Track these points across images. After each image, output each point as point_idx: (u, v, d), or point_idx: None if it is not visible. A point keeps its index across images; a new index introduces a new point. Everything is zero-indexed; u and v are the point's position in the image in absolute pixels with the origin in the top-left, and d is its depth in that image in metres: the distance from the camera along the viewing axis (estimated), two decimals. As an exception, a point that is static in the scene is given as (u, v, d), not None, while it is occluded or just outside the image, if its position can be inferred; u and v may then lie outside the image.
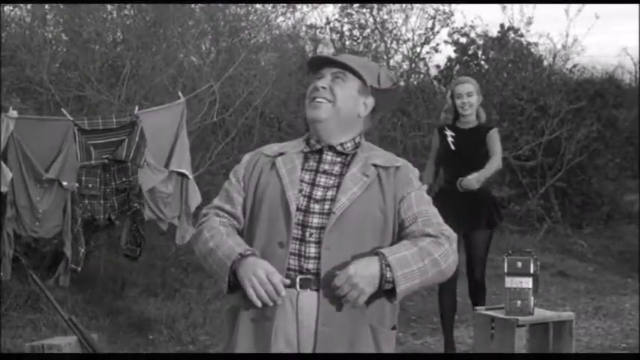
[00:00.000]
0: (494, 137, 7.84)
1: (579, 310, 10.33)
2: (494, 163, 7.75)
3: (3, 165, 7.96)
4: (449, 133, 7.88)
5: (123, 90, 10.22)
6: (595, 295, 11.42)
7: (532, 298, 6.67)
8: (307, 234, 3.40)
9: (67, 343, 6.12)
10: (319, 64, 3.64)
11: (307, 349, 3.37)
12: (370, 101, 3.61)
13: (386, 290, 3.36)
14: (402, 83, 3.69)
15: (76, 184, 8.21)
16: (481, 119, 7.99)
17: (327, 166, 3.54)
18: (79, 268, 8.32)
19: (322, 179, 3.50)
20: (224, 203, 3.59)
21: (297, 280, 3.38)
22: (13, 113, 8.10)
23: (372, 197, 3.45)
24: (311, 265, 3.38)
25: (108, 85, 10.53)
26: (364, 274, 3.27)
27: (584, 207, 15.75)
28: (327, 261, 3.35)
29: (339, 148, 3.56)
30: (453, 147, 7.84)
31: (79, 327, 4.22)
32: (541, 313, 6.94)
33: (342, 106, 3.54)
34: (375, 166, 3.51)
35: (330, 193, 3.45)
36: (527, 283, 6.64)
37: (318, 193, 3.46)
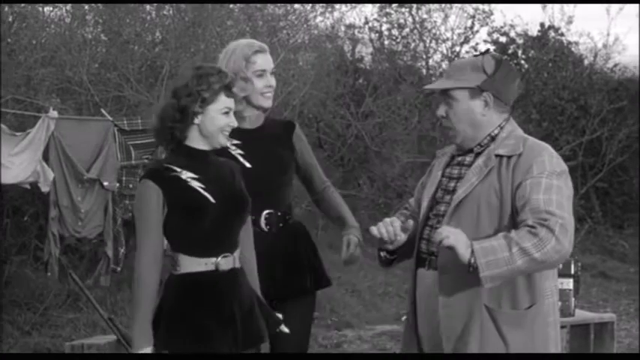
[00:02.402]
0: None
1: (620, 311, 10.24)
2: None
3: (45, 165, 8.02)
4: None
5: (162, 90, 10.24)
6: (636, 297, 11.31)
7: (573, 299, 6.61)
8: (436, 221, 3.77)
9: (106, 342, 6.14)
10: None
11: (435, 323, 3.72)
12: (487, 95, 3.75)
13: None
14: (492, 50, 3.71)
15: (117, 184, 8.25)
16: None
17: (460, 158, 3.86)
18: (119, 268, 8.36)
19: (455, 171, 3.84)
20: (412, 201, 4.10)
21: (427, 261, 3.78)
22: (54, 113, 8.16)
23: (489, 186, 3.66)
24: (435, 249, 3.70)
25: (147, 85, 10.57)
26: (460, 236, 3.51)
27: (625, 207, 15.61)
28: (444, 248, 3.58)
29: (476, 148, 3.81)
30: None
31: (119, 326, 4.22)
32: (582, 315, 6.88)
33: (463, 124, 3.78)
34: (497, 156, 3.70)
35: (458, 184, 3.76)
36: (568, 284, 6.58)
37: (451, 185, 3.81)
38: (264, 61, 4.58)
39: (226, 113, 3.84)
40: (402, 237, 3.76)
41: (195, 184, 3.80)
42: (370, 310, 10.44)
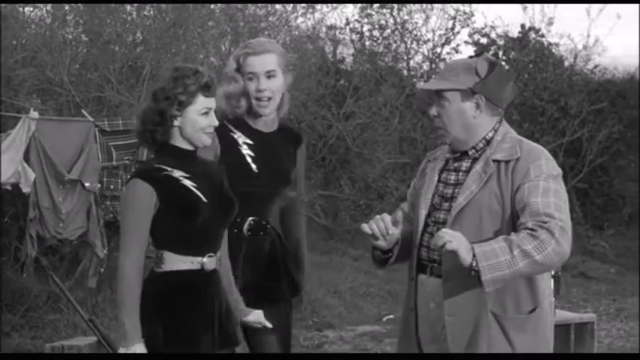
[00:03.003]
0: None
1: (601, 311, 10.28)
2: None
3: (26, 166, 7.99)
4: None
5: (143, 91, 10.22)
6: (616, 297, 11.37)
7: (553, 299, 6.63)
8: (436, 229, 3.71)
9: (86, 343, 6.13)
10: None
11: (440, 328, 3.72)
12: (479, 98, 3.75)
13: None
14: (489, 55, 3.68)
15: (98, 185, 8.23)
16: None
17: (457, 164, 3.85)
18: (102, 269, 8.35)
19: (452, 177, 3.83)
20: (405, 204, 4.07)
21: (429, 268, 3.77)
22: (34, 114, 8.13)
23: (489, 192, 3.68)
24: (436, 256, 3.72)
25: (128, 85, 10.55)
26: (461, 240, 3.51)
27: (605, 208, 15.68)
28: (447, 253, 3.57)
29: (471, 152, 3.80)
30: None
31: (99, 328, 4.21)
32: (562, 315, 6.91)
33: (454, 125, 3.78)
34: (495, 161, 3.72)
35: (456, 191, 3.76)
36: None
37: (448, 191, 3.80)
38: (256, 64, 4.33)
39: (206, 113, 3.81)
40: (395, 231, 3.73)
41: (188, 183, 3.80)
42: (351, 310, 10.45)
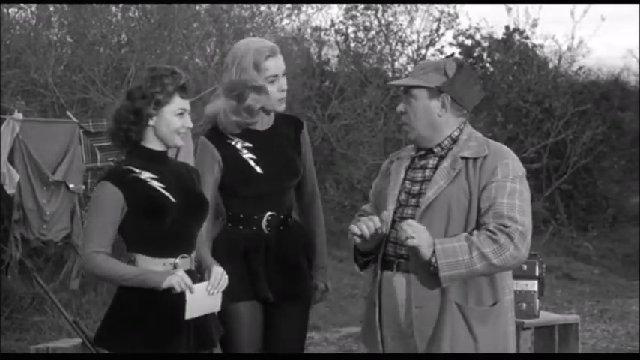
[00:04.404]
0: None
1: (585, 312, 10.31)
2: None
3: (10, 167, 7.97)
4: None
5: (128, 92, 10.20)
6: (600, 298, 11.41)
7: (537, 300, 6.66)
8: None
9: (71, 345, 6.12)
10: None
11: (405, 324, 3.79)
12: (445, 97, 3.83)
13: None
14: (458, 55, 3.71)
15: (83, 187, 8.22)
16: None
17: (423, 162, 3.91)
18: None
19: (419, 174, 3.88)
20: (368, 207, 4.10)
21: (395, 263, 3.81)
22: (19, 116, 8.11)
23: (458, 188, 3.75)
24: (404, 251, 3.76)
25: (113, 87, 10.53)
26: (423, 235, 3.62)
27: (589, 209, 15.74)
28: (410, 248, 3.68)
29: (436, 150, 3.87)
30: None
31: (84, 329, 4.22)
32: (546, 316, 6.93)
33: (419, 122, 3.86)
34: (463, 158, 3.79)
35: (423, 187, 3.82)
36: (533, 285, 6.63)
37: (415, 188, 3.86)
38: (276, 66, 4.36)
39: (181, 114, 3.84)
40: (384, 230, 3.78)
41: (156, 184, 3.81)
42: (336, 312, 10.45)
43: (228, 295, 3.99)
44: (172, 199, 3.79)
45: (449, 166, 3.79)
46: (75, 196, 8.21)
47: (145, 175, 3.81)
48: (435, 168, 3.83)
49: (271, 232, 4.37)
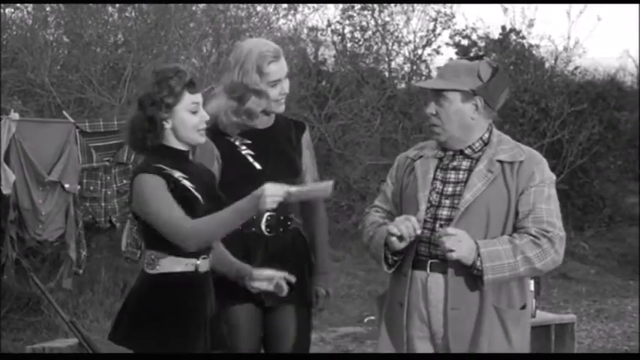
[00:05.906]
0: None
1: (581, 312, 10.30)
2: None
3: (6, 167, 7.97)
4: None
5: (124, 92, 10.22)
6: (597, 298, 11.40)
7: (534, 300, 6.65)
8: (437, 225, 3.82)
9: (68, 345, 6.12)
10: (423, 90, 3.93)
11: (437, 325, 3.82)
12: (478, 100, 3.86)
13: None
14: (494, 60, 3.69)
15: (78, 187, 8.22)
16: None
17: (456, 163, 3.92)
18: (81, 271, 8.32)
19: (452, 175, 3.90)
20: (382, 203, 4.10)
21: (428, 264, 3.82)
22: (15, 115, 8.11)
23: (497, 191, 3.80)
24: (438, 251, 3.77)
25: (109, 87, 10.54)
26: (464, 244, 3.66)
27: (585, 209, 15.72)
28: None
29: (467, 151, 3.91)
30: None
31: (80, 329, 4.21)
32: (543, 316, 6.93)
33: (452, 124, 3.87)
34: (499, 162, 3.84)
35: (458, 189, 3.85)
36: (529, 285, 6.62)
37: (449, 189, 3.87)
38: (279, 70, 4.31)
39: (194, 110, 3.82)
40: (418, 231, 3.79)
41: (188, 184, 3.80)
42: (333, 312, 10.44)
43: (226, 298, 3.99)
44: (201, 200, 3.79)
45: (485, 169, 3.83)
46: (70, 196, 8.20)
47: (177, 175, 3.79)
48: (469, 170, 3.87)
49: (271, 233, 4.33)
